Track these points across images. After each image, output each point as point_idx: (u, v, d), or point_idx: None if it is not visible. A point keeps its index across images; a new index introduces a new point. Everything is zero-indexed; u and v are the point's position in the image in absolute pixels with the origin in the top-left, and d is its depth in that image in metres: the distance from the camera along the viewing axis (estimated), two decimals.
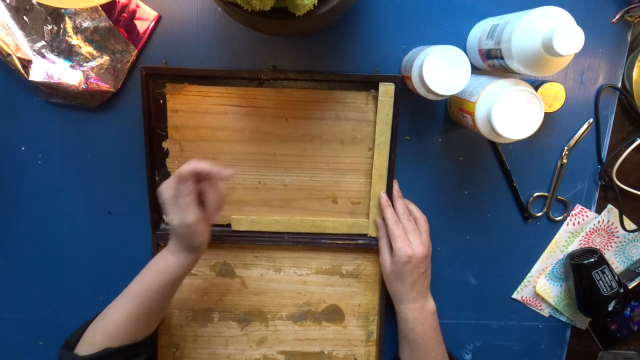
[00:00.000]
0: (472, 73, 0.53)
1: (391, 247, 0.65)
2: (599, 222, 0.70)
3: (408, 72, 0.58)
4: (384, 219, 0.67)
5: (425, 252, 0.63)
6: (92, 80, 0.63)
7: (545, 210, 0.70)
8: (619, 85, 0.66)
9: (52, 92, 0.63)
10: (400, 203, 0.66)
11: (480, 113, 0.54)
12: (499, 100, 0.51)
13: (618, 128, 0.68)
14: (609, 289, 0.66)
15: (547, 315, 0.74)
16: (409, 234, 0.64)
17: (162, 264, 0.58)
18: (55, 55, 0.62)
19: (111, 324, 0.58)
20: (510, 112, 0.51)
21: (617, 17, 0.62)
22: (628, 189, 0.68)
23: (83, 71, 0.63)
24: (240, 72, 0.63)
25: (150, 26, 0.63)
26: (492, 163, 0.68)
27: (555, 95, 0.63)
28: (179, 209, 0.54)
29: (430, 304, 0.66)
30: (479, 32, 0.59)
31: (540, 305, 0.74)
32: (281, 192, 0.68)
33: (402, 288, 0.64)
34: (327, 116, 0.66)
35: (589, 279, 0.66)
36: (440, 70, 0.52)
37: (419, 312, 0.64)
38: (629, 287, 0.67)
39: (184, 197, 0.53)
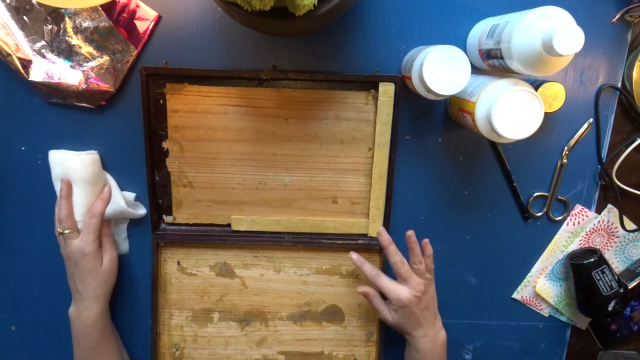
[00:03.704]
0: (472, 73, 0.53)
1: (385, 299, 0.65)
2: (599, 222, 0.70)
3: (408, 72, 0.58)
4: (367, 277, 0.66)
5: (415, 296, 0.62)
6: (92, 80, 0.63)
7: (545, 210, 0.70)
8: (619, 85, 0.66)
9: (52, 92, 0.63)
10: (390, 250, 0.64)
11: (480, 113, 0.54)
12: (499, 100, 0.51)
13: (618, 128, 0.68)
14: (609, 289, 0.66)
15: (547, 315, 0.74)
16: (400, 280, 0.63)
17: None
18: (55, 55, 0.62)
19: None
20: (510, 112, 0.51)
21: (617, 17, 0.62)
22: (628, 189, 0.68)
23: (83, 71, 0.63)
24: (240, 72, 0.63)
25: (150, 26, 0.63)
26: (492, 163, 0.68)
27: (555, 95, 0.63)
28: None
29: (442, 335, 0.66)
30: (479, 32, 0.59)
31: (540, 305, 0.74)
32: (281, 192, 0.68)
33: (409, 328, 0.65)
34: (327, 116, 0.66)
35: (589, 279, 0.66)
36: (440, 70, 0.52)
37: (431, 344, 0.65)
38: (629, 287, 0.67)
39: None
